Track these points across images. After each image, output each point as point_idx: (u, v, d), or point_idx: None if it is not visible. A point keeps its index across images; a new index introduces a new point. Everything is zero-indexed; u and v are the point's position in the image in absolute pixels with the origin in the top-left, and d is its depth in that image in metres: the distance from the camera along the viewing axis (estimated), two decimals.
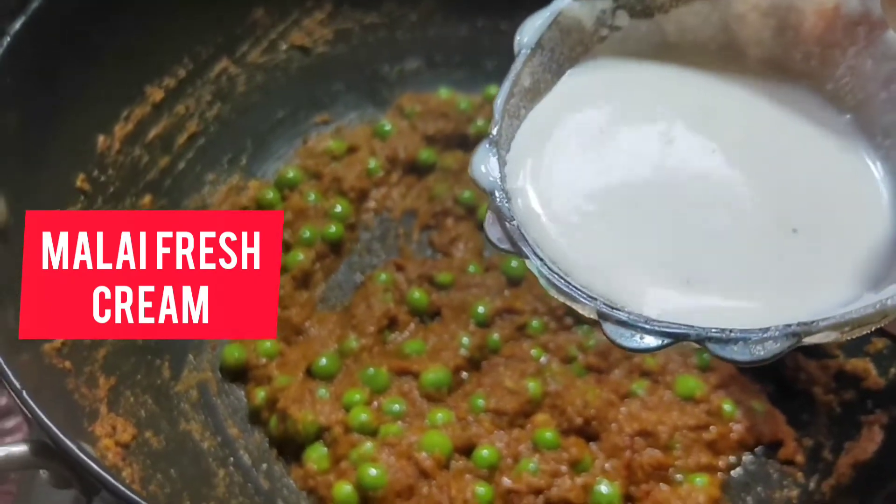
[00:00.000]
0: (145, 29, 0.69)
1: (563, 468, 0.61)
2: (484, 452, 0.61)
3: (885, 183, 0.39)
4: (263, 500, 0.60)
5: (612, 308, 0.35)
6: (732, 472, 0.63)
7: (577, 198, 0.39)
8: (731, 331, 0.32)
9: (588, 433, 0.63)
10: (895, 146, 0.39)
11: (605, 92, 0.43)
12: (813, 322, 0.32)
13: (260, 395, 0.65)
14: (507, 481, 0.60)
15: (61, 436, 0.41)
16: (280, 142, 0.81)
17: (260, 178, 0.78)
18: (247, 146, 0.79)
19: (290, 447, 0.63)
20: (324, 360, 0.66)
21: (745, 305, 0.35)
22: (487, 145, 0.40)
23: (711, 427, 0.63)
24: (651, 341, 0.33)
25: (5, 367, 0.44)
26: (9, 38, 0.57)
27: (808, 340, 0.32)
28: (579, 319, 0.69)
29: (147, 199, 0.70)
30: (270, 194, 0.76)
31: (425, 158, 0.79)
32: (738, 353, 0.32)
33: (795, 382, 0.66)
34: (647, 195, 0.39)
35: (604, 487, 0.61)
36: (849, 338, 0.32)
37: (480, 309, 0.69)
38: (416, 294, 0.70)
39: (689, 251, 0.37)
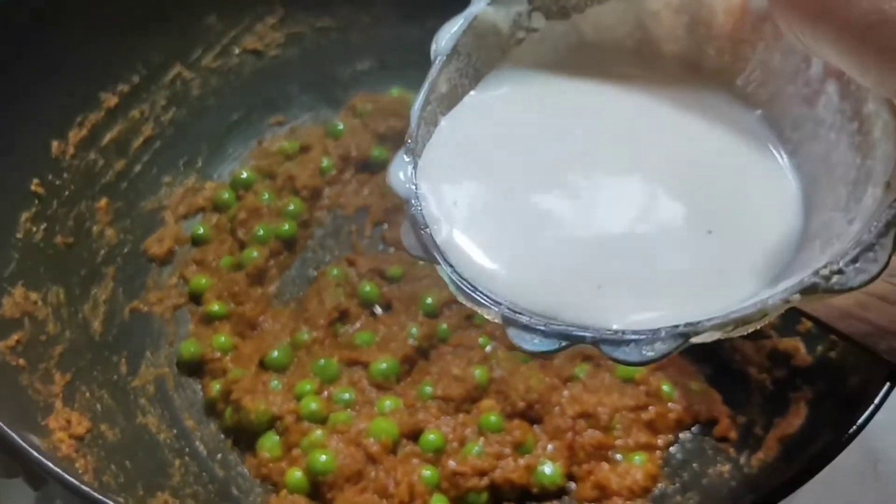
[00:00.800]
0: (98, 36, 0.71)
1: (507, 450, 0.63)
2: (430, 437, 0.64)
3: (794, 177, 0.39)
4: (218, 487, 0.63)
5: (515, 312, 0.35)
6: (670, 450, 0.65)
7: (482, 205, 0.39)
8: (623, 332, 0.33)
9: (531, 417, 0.66)
10: (804, 140, 0.39)
11: (518, 98, 0.42)
12: (699, 322, 0.32)
13: (215, 387, 0.67)
14: (452, 464, 0.62)
15: (4, 427, 0.43)
16: (235, 143, 0.83)
17: (216, 180, 0.81)
18: (202, 149, 0.81)
19: (244, 437, 0.65)
20: (276, 353, 0.68)
21: (654, 307, 0.35)
22: (404, 153, 0.39)
23: (650, 407, 0.66)
24: (550, 344, 0.34)
25: None
26: None
27: (695, 340, 0.32)
28: None
29: (103, 201, 0.72)
30: (226, 195, 0.79)
31: (377, 156, 0.82)
32: (629, 354, 0.32)
33: (731, 362, 0.68)
34: (556, 201, 0.39)
35: (547, 468, 0.63)
36: (735, 335, 0.33)
37: (429, 300, 0.71)
38: (367, 287, 0.72)
39: (599, 257, 0.37)
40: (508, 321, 0.35)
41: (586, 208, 0.38)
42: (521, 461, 0.63)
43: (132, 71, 0.76)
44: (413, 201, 0.38)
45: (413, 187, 0.39)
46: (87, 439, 0.57)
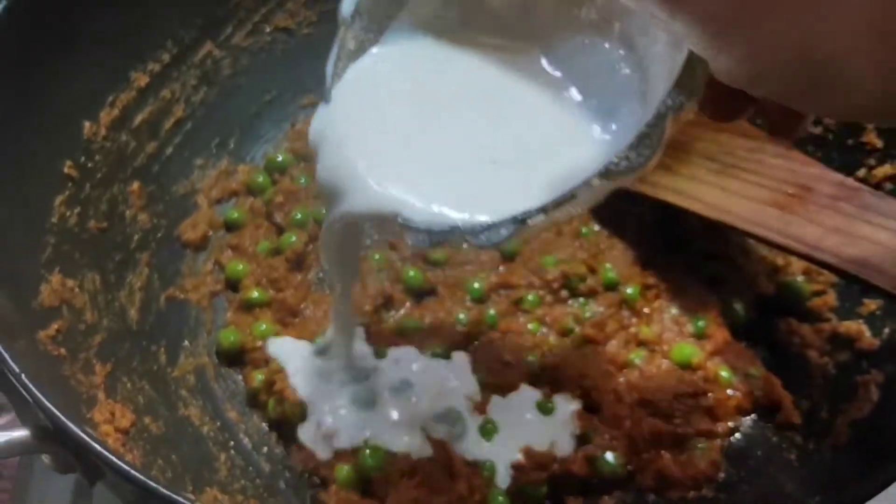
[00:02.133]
0: (128, 14, 0.68)
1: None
2: (486, 426, 0.62)
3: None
4: (265, 482, 0.60)
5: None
6: (731, 438, 0.63)
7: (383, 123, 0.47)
8: (481, 225, 0.41)
9: (588, 404, 0.63)
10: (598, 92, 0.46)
11: (407, 54, 0.49)
12: (527, 211, 0.40)
13: (257, 377, 0.65)
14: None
15: (63, 418, 0.40)
16: (267, 125, 0.80)
17: (249, 163, 0.78)
18: (234, 130, 0.78)
19: (289, 429, 0.63)
20: (320, 341, 0.66)
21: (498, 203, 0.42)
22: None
23: (709, 394, 0.64)
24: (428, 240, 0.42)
25: (3, 351, 0.43)
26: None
27: (530, 223, 0.40)
28: (574, 292, 0.69)
29: (136, 185, 0.70)
30: (260, 178, 0.76)
31: None
32: (485, 239, 0.40)
33: (789, 347, 0.66)
34: (433, 128, 0.47)
35: (608, 457, 0.61)
36: (560, 217, 0.40)
37: (476, 285, 0.69)
38: (411, 272, 0.70)
39: (453, 168, 0.45)
40: (406, 223, 0.42)
41: (451, 133, 0.47)
42: (581, 451, 0.61)
43: (162, 49, 0.73)
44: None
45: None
46: (132, 432, 0.54)
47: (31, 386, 0.41)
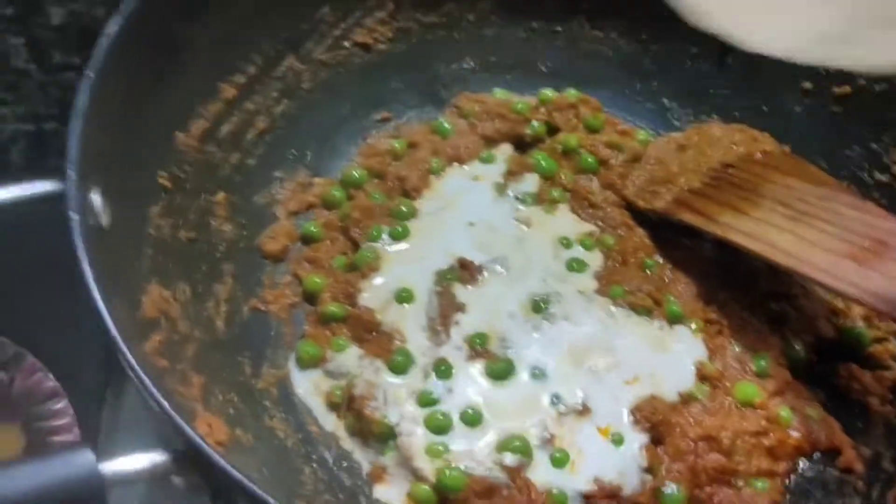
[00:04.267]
0: (223, 26, 0.70)
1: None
2: (556, 455, 0.64)
3: None
4: (346, 497, 0.62)
5: None
6: (791, 478, 0.65)
7: None
8: None
9: (655, 437, 0.66)
10: None
11: None
12: None
13: (336, 393, 0.67)
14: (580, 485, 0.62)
15: (205, 446, 0.42)
16: (342, 138, 0.82)
17: (324, 176, 0.79)
18: (311, 143, 0.80)
19: (369, 444, 0.65)
20: (398, 357, 0.67)
21: None
22: None
23: (770, 433, 0.66)
24: None
25: (149, 383, 0.45)
26: (107, 41, 0.58)
27: None
28: None
29: (221, 195, 0.71)
30: (336, 192, 0.78)
31: (485, 158, 0.81)
32: None
33: (850, 392, 0.68)
34: None
35: (670, 489, 0.63)
36: None
37: None
38: None
39: None
40: None
41: None
42: (648, 484, 0.63)
43: (249, 62, 0.74)
44: None
45: None
46: (229, 446, 0.56)
47: (175, 417, 0.43)
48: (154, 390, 0.44)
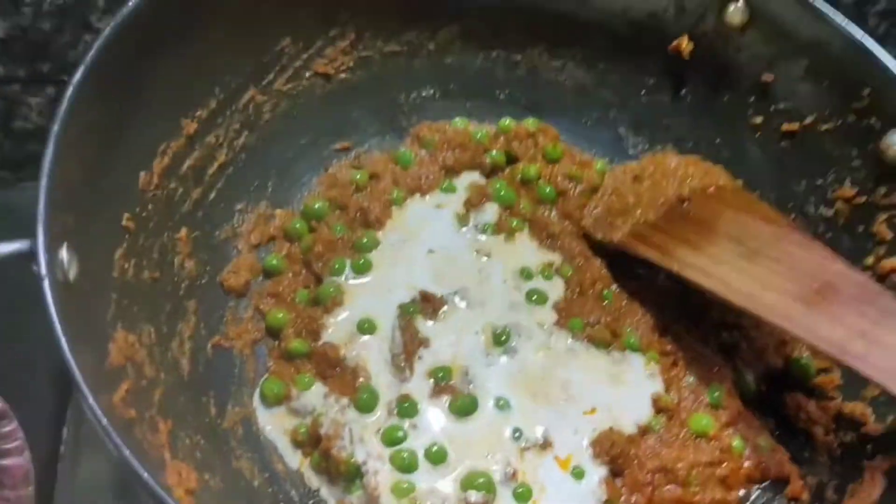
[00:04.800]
0: (186, 63, 0.69)
1: None
2: (519, 490, 0.65)
3: None
4: None
5: None
6: None
7: None
8: None
9: (613, 469, 0.68)
10: None
11: None
12: None
13: (300, 430, 0.67)
14: None
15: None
16: (303, 168, 0.82)
17: (286, 207, 0.80)
18: (272, 174, 0.80)
19: (336, 481, 0.66)
20: (364, 395, 0.68)
21: None
22: None
23: (724, 463, 0.69)
24: None
25: (113, 434, 0.45)
26: (71, 90, 0.57)
27: None
28: None
29: (183, 232, 0.71)
30: (298, 224, 0.78)
31: (445, 188, 0.82)
32: None
33: (797, 421, 0.71)
34: None
35: None
36: None
37: None
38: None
39: None
40: None
41: None
42: None
43: (210, 95, 0.74)
44: None
45: None
46: (197, 492, 0.57)
47: (140, 471, 0.44)
48: (126, 451, 0.45)
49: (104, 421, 0.48)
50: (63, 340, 0.49)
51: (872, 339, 0.60)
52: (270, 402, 0.69)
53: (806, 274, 0.66)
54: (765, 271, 0.68)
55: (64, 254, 0.53)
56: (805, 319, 0.63)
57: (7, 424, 0.73)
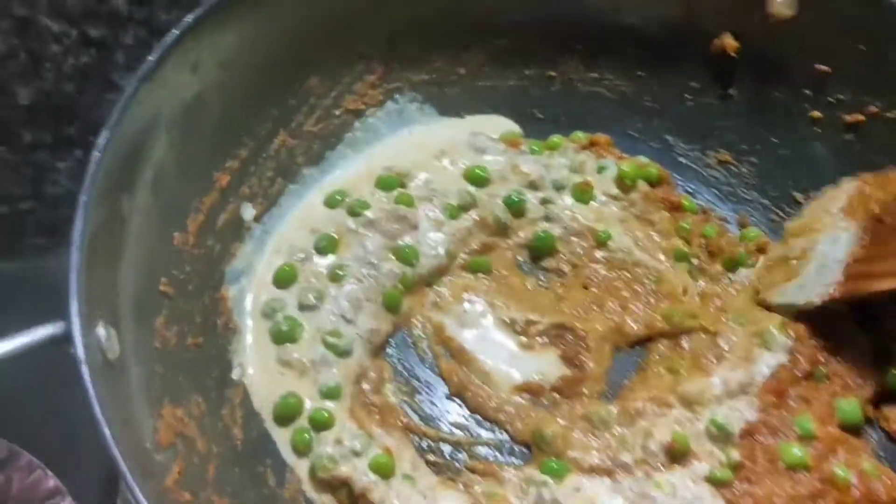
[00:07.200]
0: (214, 115, 0.66)
1: None
2: None
3: None
4: None
5: None
6: None
7: None
8: None
9: None
10: None
11: None
12: None
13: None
14: None
15: None
16: None
17: None
18: None
19: None
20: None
21: None
22: None
23: (828, 496, 0.63)
24: None
25: None
26: (97, 155, 0.54)
27: None
28: None
29: (224, 290, 0.67)
30: None
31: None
32: None
33: None
34: None
35: None
36: None
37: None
38: None
39: None
40: None
41: None
42: None
43: (240, 145, 0.71)
44: None
45: None
46: None
47: None
48: None
49: None
50: (106, 429, 0.45)
51: None
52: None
53: None
54: None
55: (101, 331, 0.49)
56: None
57: (60, 501, 0.71)
